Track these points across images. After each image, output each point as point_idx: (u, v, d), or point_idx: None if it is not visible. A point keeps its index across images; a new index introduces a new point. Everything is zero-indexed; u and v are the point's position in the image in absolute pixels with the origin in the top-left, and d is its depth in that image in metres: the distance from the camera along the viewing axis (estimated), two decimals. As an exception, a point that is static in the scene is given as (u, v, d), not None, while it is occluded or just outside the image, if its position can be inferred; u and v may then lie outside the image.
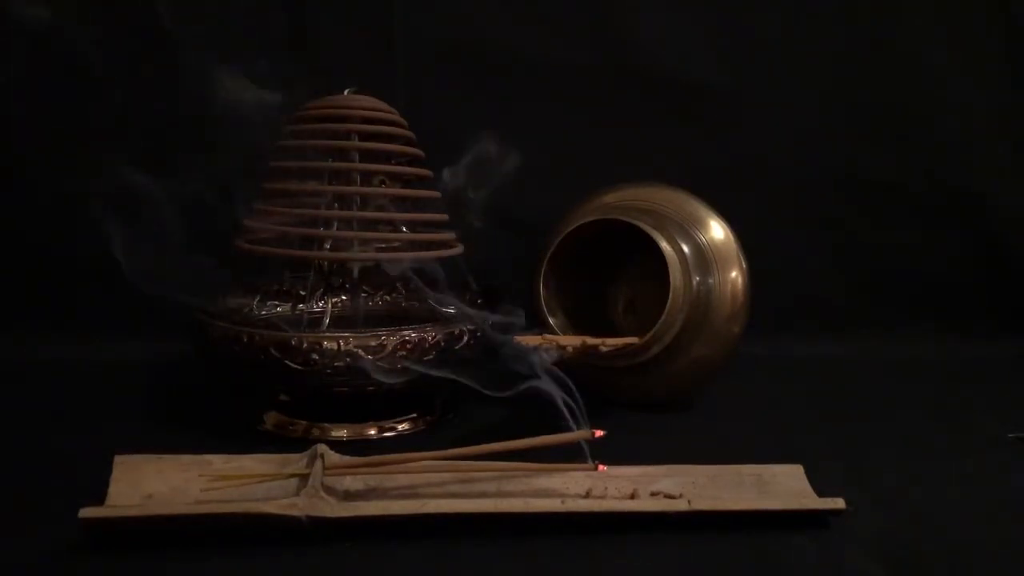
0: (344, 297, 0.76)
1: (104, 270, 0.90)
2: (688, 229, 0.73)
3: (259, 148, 0.70)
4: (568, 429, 0.54)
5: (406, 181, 0.70)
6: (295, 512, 0.47)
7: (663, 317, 0.68)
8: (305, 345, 0.60)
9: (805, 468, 0.55)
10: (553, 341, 0.60)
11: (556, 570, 0.47)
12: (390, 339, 0.61)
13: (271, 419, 0.68)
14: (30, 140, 0.90)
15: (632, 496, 0.53)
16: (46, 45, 0.88)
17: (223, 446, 0.56)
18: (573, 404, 0.55)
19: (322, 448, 0.54)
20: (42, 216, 0.91)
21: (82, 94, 0.89)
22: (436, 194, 0.70)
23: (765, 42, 0.97)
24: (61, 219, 0.91)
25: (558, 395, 0.54)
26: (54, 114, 0.89)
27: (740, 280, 0.73)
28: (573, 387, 0.55)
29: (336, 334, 0.61)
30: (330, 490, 0.51)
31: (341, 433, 0.66)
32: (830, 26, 0.98)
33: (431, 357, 0.63)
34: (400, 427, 0.68)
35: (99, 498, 0.50)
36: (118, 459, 0.53)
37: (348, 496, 0.52)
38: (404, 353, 0.61)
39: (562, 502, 0.51)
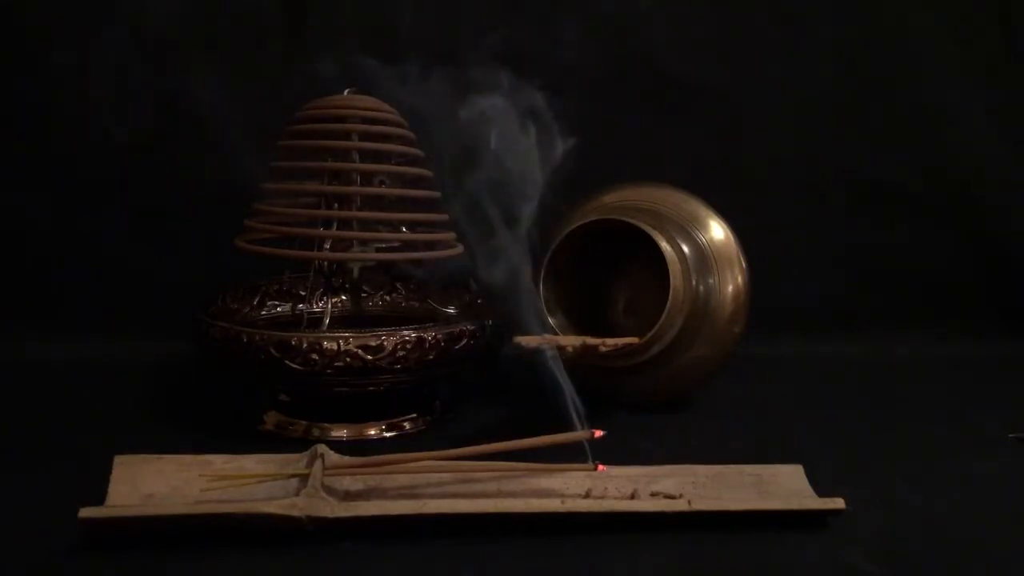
0: (344, 297, 0.76)
1: (103, 270, 0.91)
2: (688, 229, 0.73)
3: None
4: (568, 429, 0.54)
5: (406, 181, 0.70)
6: (295, 512, 0.47)
7: (663, 317, 0.68)
8: (305, 345, 0.60)
9: (805, 468, 0.55)
10: (553, 341, 0.60)
11: (556, 570, 0.47)
12: (390, 339, 0.61)
13: (271, 419, 0.68)
14: (27, 138, 0.90)
15: (632, 496, 0.53)
16: (44, 47, 0.88)
17: (223, 446, 0.56)
18: (575, 404, 0.55)
19: (322, 448, 0.55)
20: (41, 216, 0.91)
21: (78, 91, 0.89)
22: (436, 194, 0.70)
23: (766, 42, 0.97)
24: (61, 219, 0.91)
25: (569, 394, 0.54)
26: (51, 112, 0.90)
27: (740, 280, 0.73)
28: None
29: (336, 334, 0.61)
30: (330, 490, 0.51)
31: (341, 433, 0.66)
32: (831, 26, 0.98)
33: (431, 357, 0.63)
34: (400, 427, 0.68)
35: (99, 498, 0.50)
36: (118, 459, 0.53)
37: (348, 496, 0.52)
38: (404, 353, 0.61)
39: (562, 502, 0.50)
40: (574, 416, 0.54)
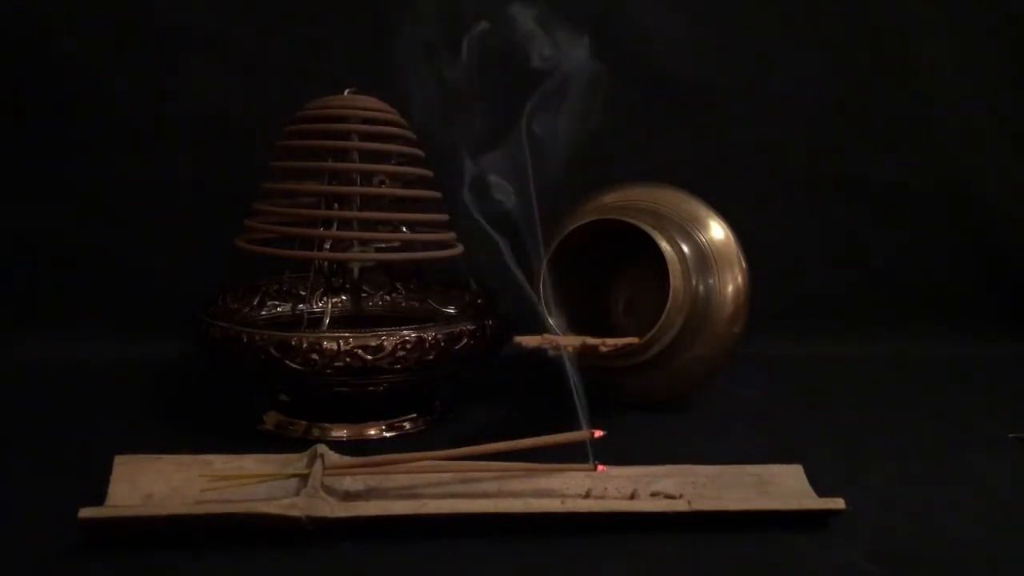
0: (344, 297, 0.76)
1: (103, 270, 0.91)
2: (688, 229, 0.73)
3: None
4: (568, 429, 0.54)
5: (406, 181, 0.70)
6: (295, 512, 0.47)
7: (663, 317, 0.68)
8: (305, 345, 0.60)
9: (805, 468, 0.55)
10: (553, 341, 0.59)
11: (556, 570, 0.47)
12: (390, 339, 0.61)
13: (271, 419, 0.68)
14: (28, 138, 0.90)
15: (632, 496, 0.53)
16: (44, 47, 0.88)
17: (223, 446, 0.56)
18: (576, 403, 0.55)
19: (322, 448, 0.55)
20: (41, 216, 0.91)
21: (79, 91, 0.89)
22: (436, 194, 0.70)
23: (766, 41, 0.97)
24: (60, 219, 0.91)
25: (577, 394, 0.54)
26: (52, 112, 0.90)
27: (740, 280, 0.73)
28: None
29: (336, 334, 0.61)
30: (330, 490, 0.51)
31: (341, 433, 0.66)
32: (831, 26, 0.98)
33: (431, 357, 0.63)
34: (400, 427, 0.68)
35: (99, 498, 0.50)
36: (118, 459, 0.53)
37: (348, 496, 0.52)
38: (404, 353, 0.61)
39: (562, 502, 0.50)
40: (580, 413, 0.55)
